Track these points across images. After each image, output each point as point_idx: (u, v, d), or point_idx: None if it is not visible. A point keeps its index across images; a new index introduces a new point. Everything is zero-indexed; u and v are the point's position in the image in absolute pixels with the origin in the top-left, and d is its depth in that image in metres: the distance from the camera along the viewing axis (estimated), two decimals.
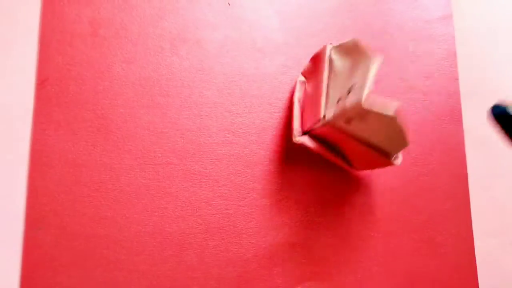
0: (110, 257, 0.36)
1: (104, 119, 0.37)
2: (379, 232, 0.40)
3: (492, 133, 0.43)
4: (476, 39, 0.46)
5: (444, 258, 0.41)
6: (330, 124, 0.34)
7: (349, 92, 0.33)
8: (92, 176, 0.36)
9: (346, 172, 0.41)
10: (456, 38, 0.45)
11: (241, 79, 0.40)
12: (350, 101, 0.32)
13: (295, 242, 0.39)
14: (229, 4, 0.41)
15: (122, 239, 0.36)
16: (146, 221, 0.37)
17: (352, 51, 0.36)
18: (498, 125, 0.29)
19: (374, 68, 0.32)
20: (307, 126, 0.37)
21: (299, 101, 0.39)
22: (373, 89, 0.31)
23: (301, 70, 0.41)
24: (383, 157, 0.36)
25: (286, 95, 0.41)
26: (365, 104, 0.30)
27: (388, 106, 0.31)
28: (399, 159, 0.37)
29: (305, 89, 0.40)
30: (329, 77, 0.37)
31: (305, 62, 0.41)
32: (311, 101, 0.38)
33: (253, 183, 0.39)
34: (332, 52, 0.38)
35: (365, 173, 0.41)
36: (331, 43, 0.38)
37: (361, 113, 0.32)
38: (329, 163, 0.40)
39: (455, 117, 0.43)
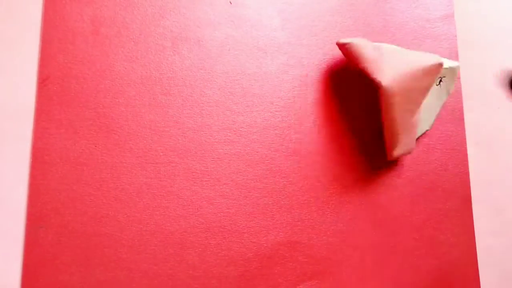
0: (111, 256, 0.36)
1: (105, 118, 0.37)
2: (380, 231, 0.40)
3: (494, 131, 0.43)
4: (478, 38, 0.46)
5: (446, 257, 0.41)
6: (392, 86, 0.37)
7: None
8: (94, 175, 0.36)
9: (347, 172, 0.40)
10: (457, 37, 0.45)
11: (243, 78, 0.40)
12: (447, 63, 0.41)
13: (297, 241, 0.39)
14: (230, 3, 0.41)
15: (123, 237, 0.36)
16: (147, 220, 0.36)
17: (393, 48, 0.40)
18: None
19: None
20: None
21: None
22: None
23: (302, 69, 0.41)
24: (392, 145, 0.39)
25: (288, 94, 0.41)
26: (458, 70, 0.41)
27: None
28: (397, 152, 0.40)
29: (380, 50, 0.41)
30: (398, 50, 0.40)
31: (306, 61, 0.41)
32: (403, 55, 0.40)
33: (254, 182, 0.39)
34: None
35: (365, 173, 0.41)
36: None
37: (447, 76, 0.41)
38: (329, 164, 0.40)
39: (456, 116, 0.43)
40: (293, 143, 0.40)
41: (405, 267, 0.40)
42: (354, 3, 0.43)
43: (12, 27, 0.38)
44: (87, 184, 0.36)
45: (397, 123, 0.38)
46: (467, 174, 0.43)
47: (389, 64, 0.37)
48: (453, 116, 0.43)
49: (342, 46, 0.38)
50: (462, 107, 0.44)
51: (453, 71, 0.41)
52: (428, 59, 0.38)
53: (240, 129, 0.39)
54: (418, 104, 0.38)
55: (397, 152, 0.39)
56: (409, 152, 0.40)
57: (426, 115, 0.41)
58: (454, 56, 0.44)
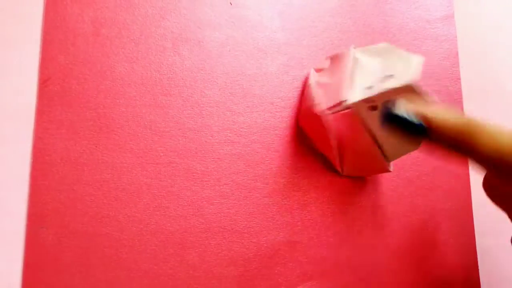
0: (111, 256, 0.36)
1: (106, 118, 0.37)
2: (380, 232, 0.40)
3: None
4: (478, 39, 0.46)
5: (446, 257, 0.41)
6: (351, 108, 0.34)
7: (384, 80, 0.33)
8: (94, 175, 0.36)
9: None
10: (458, 38, 0.45)
11: (243, 79, 0.40)
12: (392, 83, 0.32)
13: (297, 242, 0.39)
14: (231, 4, 0.41)
15: (124, 237, 0.36)
16: (147, 220, 0.37)
17: (382, 52, 0.36)
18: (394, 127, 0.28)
19: (418, 64, 0.33)
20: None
21: (317, 83, 0.39)
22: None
23: (303, 69, 0.41)
24: (382, 160, 0.36)
25: (288, 94, 0.41)
26: (414, 85, 0.31)
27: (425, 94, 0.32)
28: (391, 166, 0.37)
29: (318, 80, 0.39)
30: (353, 68, 0.36)
31: (306, 62, 0.41)
32: (327, 88, 0.37)
33: (254, 182, 0.39)
34: (357, 52, 0.37)
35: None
36: (354, 46, 0.38)
37: (402, 96, 0.32)
38: (330, 165, 0.40)
39: None
40: (293, 143, 0.40)
41: (405, 268, 0.40)
42: (354, 4, 0.44)
43: (13, 28, 0.38)
44: (87, 184, 0.36)
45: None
46: (467, 174, 0.43)
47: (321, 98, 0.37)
48: None
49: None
50: (462, 107, 0.44)
51: (407, 89, 0.32)
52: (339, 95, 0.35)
53: (241, 130, 0.39)
54: (351, 136, 0.36)
55: (344, 171, 0.39)
56: (372, 173, 0.39)
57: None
58: (454, 56, 0.44)
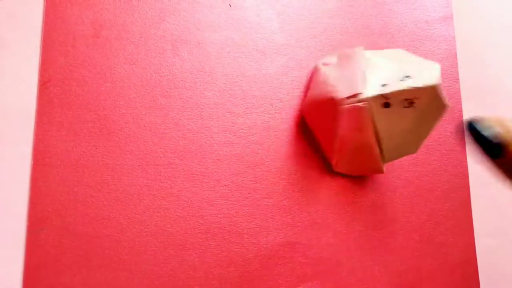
0: (112, 257, 0.36)
1: (106, 120, 0.37)
2: (380, 232, 0.40)
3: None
4: (477, 40, 0.46)
5: (445, 257, 0.41)
6: (366, 101, 0.34)
7: (402, 79, 0.34)
8: (94, 177, 0.36)
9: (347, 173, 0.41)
10: (456, 39, 0.45)
11: (242, 80, 0.40)
12: (411, 83, 0.33)
13: (296, 242, 0.39)
14: (230, 6, 0.41)
15: (124, 239, 0.36)
16: (147, 221, 0.37)
17: (394, 55, 0.37)
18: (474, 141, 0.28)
19: (437, 69, 0.34)
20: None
21: (329, 73, 0.39)
22: None
23: (302, 71, 0.41)
24: (379, 160, 0.36)
25: (287, 96, 0.41)
26: (437, 87, 0.33)
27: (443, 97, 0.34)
28: (385, 167, 0.38)
29: (328, 71, 0.39)
30: (366, 65, 0.36)
31: (305, 63, 0.42)
32: (340, 79, 0.37)
33: (254, 183, 0.39)
34: (367, 53, 0.37)
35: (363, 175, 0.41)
36: (363, 48, 0.38)
37: (421, 97, 0.34)
38: (330, 166, 0.40)
39: (455, 117, 0.43)
40: (292, 144, 0.40)
41: (405, 268, 0.40)
42: (353, 5, 0.44)
43: (13, 31, 0.38)
44: (88, 186, 0.36)
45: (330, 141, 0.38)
46: (466, 175, 0.43)
47: (312, 91, 0.38)
48: (452, 117, 0.43)
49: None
50: (461, 108, 0.44)
51: (429, 90, 0.34)
52: (341, 90, 0.36)
53: (240, 131, 0.39)
54: (349, 127, 0.36)
55: (336, 166, 0.39)
56: (364, 173, 0.39)
57: (401, 139, 0.37)
58: (453, 56, 0.45)
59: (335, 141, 0.38)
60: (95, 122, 0.37)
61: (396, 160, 0.41)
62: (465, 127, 0.28)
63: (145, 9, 0.40)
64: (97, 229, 0.36)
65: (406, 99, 0.34)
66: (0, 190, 0.35)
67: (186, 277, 0.36)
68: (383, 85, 0.34)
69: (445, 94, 0.33)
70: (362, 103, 0.34)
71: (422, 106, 0.34)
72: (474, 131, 0.28)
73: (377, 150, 0.36)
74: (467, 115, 0.44)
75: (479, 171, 0.43)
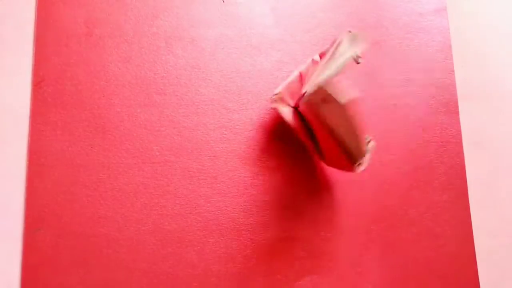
0: (110, 256, 0.36)
1: (101, 119, 0.37)
2: (378, 225, 0.40)
3: (492, 131, 0.43)
4: (471, 31, 0.46)
5: (443, 249, 0.41)
6: (308, 100, 0.33)
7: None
8: (90, 176, 0.36)
9: (344, 168, 0.41)
10: (450, 31, 0.45)
11: (237, 76, 0.40)
12: (317, 82, 0.31)
13: (294, 237, 0.39)
14: (223, 2, 0.41)
15: (122, 237, 0.36)
16: (145, 220, 0.37)
17: (357, 41, 0.35)
18: None
19: (349, 58, 0.32)
20: (296, 100, 0.37)
21: (299, 73, 0.38)
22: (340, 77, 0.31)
23: (296, 65, 0.41)
24: (348, 158, 0.34)
25: None
26: (326, 87, 0.30)
27: (344, 93, 0.30)
28: (362, 166, 0.35)
29: (311, 67, 0.39)
30: (328, 58, 0.35)
31: (300, 58, 0.41)
32: (307, 78, 0.37)
33: (251, 179, 0.39)
34: (344, 37, 0.36)
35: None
36: (350, 31, 0.36)
37: (324, 96, 0.31)
38: (326, 160, 0.40)
39: (451, 109, 0.43)
40: (288, 139, 0.40)
41: (403, 260, 0.40)
42: None
43: (6, 31, 0.38)
44: (84, 185, 0.36)
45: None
46: (463, 166, 0.43)
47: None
48: (447, 108, 0.43)
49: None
50: (456, 99, 0.44)
51: (321, 93, 0.32)
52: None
53: (236, 127, 0.39)
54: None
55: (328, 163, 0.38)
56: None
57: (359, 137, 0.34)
58: (447, 48, 0.44)
59: (310, 140, 0.38)
60: (90, 121, 0.37)
61: (393, 154, 0.41)
62: None
63: (137, 6, 0.40)
64: (94, 228, 0.36)
65: (322, 98, 0.32)
66: None
67: (185, 275, 0.36)
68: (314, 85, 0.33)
69: (340, 90, 0.30)
70: (306, 102, 0.33)
71: (332, 105, 0.32)
72: None
73: (337, 147, 0.34)
74: (462, 106, 0.44)
75: (476, 162, 0.43)
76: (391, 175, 0.41)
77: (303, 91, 0.34)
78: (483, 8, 0.47)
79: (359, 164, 0.35)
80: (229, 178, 0.39)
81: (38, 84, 0.37)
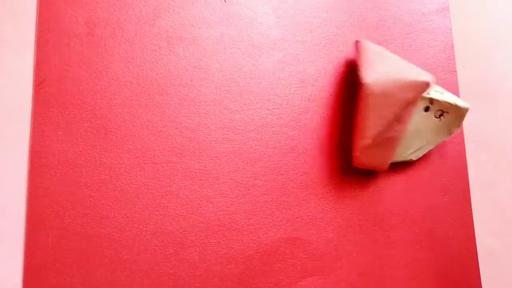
0: (112, 257, 0.36)
1: (102, 119, 0.37)
2: (380, 226, 0.40)
3: (494, 132, 0.43)
4: (474, 31, 0.46)
5: (445, 250, 0.41)
6: (423, 96, 0.37)
7: (439, 91, 0.39)
8: (92, 176, 0.36)
9: (346, 168, 0.41)
10: (453, 31, 0.45)
11: (239, 76, 0.40)
12: (460, 101, 0.38)
13: (297, 238, 0.39)
14: (225, 1, 0.41)
15: (124, 238, 0.36)
16: (147, 220, 0.37)
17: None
18: None
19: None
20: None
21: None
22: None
23: (298, 65, 0.41)
24: (392, 157, 0.38)
25: (285, 91, 0.41)
26: (466, 111, 0.39)
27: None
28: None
29: (380, 50, 0.40)
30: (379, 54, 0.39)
31: (302, 58, 0.41)
32: (398, 64, 0.39)
33: (253, 180, 0.39)
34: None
35: (363, 168, 0.41)
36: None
37: (452, 113, 0.38)
38: (328, 160, 0.40)
39: None
40: (290, 140, 0.40)
41: (405, 261, 0.40)
42: None
43: (7, 31, 0.38)
44: (86, 186, 0.36)
45: (367, 125, 0.37)
46: (465, 167, 0.43)
47: (380, 68, 0.37)
48: None
49: (356, 44, 0.40)
50: None
51: (460, 110, 0.38)
52: (419, 75, 0.37)
53: (238, 127, 0.39)
54: (397, 116, 0.37)
55: (359, 157, 0.38)
56: (376, 168, 0.39)
57: (414, 142, 0.39)
58: (450, 48, 0.44)
59: (367, 127, 0.38)
60: (92, 121, 0.37)
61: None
62: None
63: (139, 6, 0.39)
64: (96, 229, 0.36)
65: (440, 110, 0.38)
66: None
67: (186, 275, 0.36)
68: (441, 93, 0.38)
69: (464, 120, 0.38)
70: (426, 94, 0.37)
71: (447, 121, 0.38)
72: None
73: (396, 146, 0.38)
74: (468, 115, 0.44)
75: (478, 162, 0.43)
76: (392, 176, 0.41)
77: (427, 80, 0.37)
78: (486, 8, 0.47)
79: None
80: (231, 179, 0.38)
81: (39, 84, 0.37)
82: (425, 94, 0.37)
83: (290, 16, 0.42)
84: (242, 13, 0.41)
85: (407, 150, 0.39)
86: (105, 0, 0.39)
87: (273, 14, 0.42)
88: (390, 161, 0.39)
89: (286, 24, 0.42)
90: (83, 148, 0.37)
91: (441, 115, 0.38)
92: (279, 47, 0.41)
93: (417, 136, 0.39)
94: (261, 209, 0.38)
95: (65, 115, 0.37)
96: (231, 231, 0.38)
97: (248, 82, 0.40)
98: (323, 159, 0.40)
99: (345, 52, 0.42)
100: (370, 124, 0.37)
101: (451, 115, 0.38)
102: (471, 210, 0.42)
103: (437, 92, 0.38)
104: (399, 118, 0.37)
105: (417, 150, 0.40)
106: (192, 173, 0.38)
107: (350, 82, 0.42)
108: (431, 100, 0.37)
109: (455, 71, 0.44)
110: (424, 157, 0.42)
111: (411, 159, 0.40)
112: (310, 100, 0.41)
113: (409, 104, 0.37)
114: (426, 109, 0.38)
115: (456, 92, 0.44)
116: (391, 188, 0.41)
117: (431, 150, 0.42)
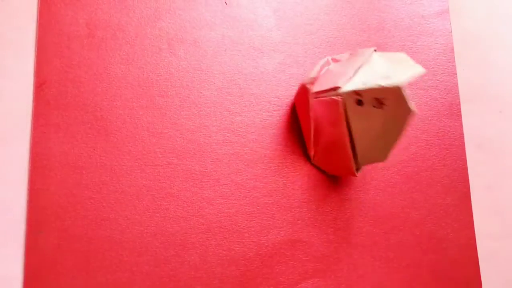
0: (112, 259, 0.35)
1: (103, 121, 0.37)
2: (381, 228, 0.40)
3: (494, 134, 0.43)
4: (474, 34, 0.46)
5: (446, 252, 0.41)
6: (340, 96, 0.34)
7: (379, 79, 0.34)
8: (93, 178, 0.36)
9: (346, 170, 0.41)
10: (453, 33, 0.45)
11: (240, 78, 0.40)
12: (386, 82, 0.32)
13: (297, 240, 0.39)
14: (226, 4, 0.41)
15: (124, 240, 0.36)
16: (148, 222, 0.36)
17: (396, 59, 0.36)
18: None
19: (415, 72, 0.33)
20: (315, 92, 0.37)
21: (323, 67, 0.39)
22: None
23: (299, 68, 0.41)
24: (350, 161, 0.36)
25: (285, 93, 0.41)
26: (404, 90, 0.32)
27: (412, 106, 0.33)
28: (359, 171, 0.38)
29: (328, 66, 0.39)
30: (363, 64, 0.35)
31: (302, 60, 0.41)
32: (330, 75, 0.37)
33: (254, 181, 0.39)
34: (375, 54, 0.36)
35: (365, 170, 0.41)
36: (375, 49, 0.37)
37: (389, 97, 0.33)
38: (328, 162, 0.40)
39: (453, 111, 0.43)
40: (291, 142, 0.40)
41: (406, 263, 0.40)
42: (349, 1, 0.44)
43: (7, 33, 0.38)
44: (86, 188, 0.36)
45: (306, 137, 0.40)
46: (465, 169, 0.43)
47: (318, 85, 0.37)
48: (450, 111, 0.43)
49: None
50: (459, 102, 0.44)
51: (392, 91, 0.32)
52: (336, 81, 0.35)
53: (238, 129, 0.39)
54: (328, 121, 0.36)
55: (319, 166, 0.40)
56: (343, 174, 0.39)
57: (378, 142, 0.35)
58: (450, 51, 0.45)
59: (311, 133, 0.38)
60: (92, 123, 0.37)
61: (395, 156, 0.41)
62: None
63: (140, 8, 0.40)
64: (97, 230, 0.36)
65: (376, 98, 0.33)
66: None
67: (187, 277, 0.36)
68: (363, 83, 0.33)
69: (410, 98, 0.32)
70: (336, 96, 0.34)
71: (390, 108, 0.33)
72: None
73: (349, 149, 0.35)
74: (465, 109, 0.44)
75: (479, 164, 0.43)
76: (393, 178, 0.41)
77: (338, 84, 0.34)
78: (486, 10, 0.47)
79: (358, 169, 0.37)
80: (231, 181, 0.38)
81: (40, 86, 0.37)
82: (345, 89, 0.33)
83: (291, 18, 0.42)
84: (242, 15, 0.41)
85: (373, 152, 0.36)
86: (106, 2, 0.39)
87: (274, 16, 0.42)
88: (356, 165, 0.37)
89: (286, 26, 0.42)
90: (84, 150, 0.37)
91: (380, 103, 0.34)
92: (280, 49, 0.41)
93: (369, 135, 0.35)
94: (262, 211, 0.38)
95: (65, 116, 0.37)
96: (232, 233, 0.38)
97: (249, 84, 0.40)
98: (323, 161, 0.40)
99: None
100: (306, 136, 0.39)
101: (389, 100, 0.33)
102: (471, 212, 0.42)
103: (370, 82, 0.33)
104: (332, 122, 0.35)
105: (381, 149, 0.36)
106: (193, 175, 0.38)
107: None
108: (357, 93, 0.33)
109: (455, 74, 0.44)
110: (425, 159, 0.42)
111: (381, 160, 0.37)
112: None
113: (330, 105, 0.34)
114: (359, 102, 0.34)
115: (456, 94, 0.44)
116: (392, 190, 0.41)
117: (430, 151, 0.42)
